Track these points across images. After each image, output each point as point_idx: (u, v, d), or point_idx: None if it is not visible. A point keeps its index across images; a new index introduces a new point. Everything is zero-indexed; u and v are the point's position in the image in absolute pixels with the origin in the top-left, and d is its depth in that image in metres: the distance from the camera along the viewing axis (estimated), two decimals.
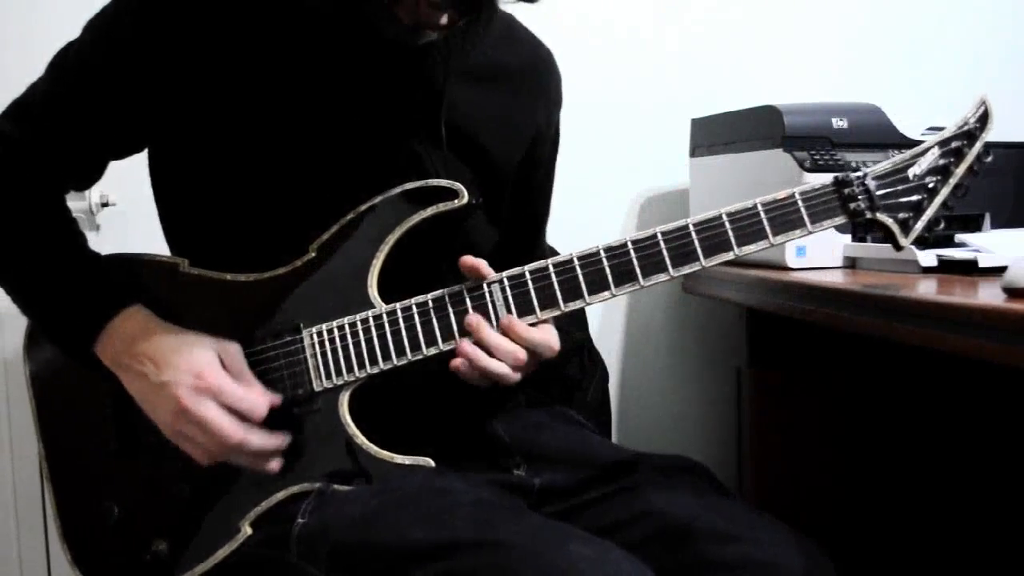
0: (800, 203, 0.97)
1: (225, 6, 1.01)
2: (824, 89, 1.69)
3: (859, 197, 0.97)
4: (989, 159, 1.01)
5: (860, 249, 1.37)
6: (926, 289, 1.09)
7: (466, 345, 0.97)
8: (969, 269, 1.16)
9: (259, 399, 0.97)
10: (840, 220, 0.98)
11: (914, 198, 0.99)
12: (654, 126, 1.79)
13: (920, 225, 1.00)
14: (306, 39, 1.02)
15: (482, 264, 0.99)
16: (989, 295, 0.96)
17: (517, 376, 0.98)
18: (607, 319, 1.84)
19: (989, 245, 1.21)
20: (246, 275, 1.03)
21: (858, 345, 1.50)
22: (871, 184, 0.98)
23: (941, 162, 0.99)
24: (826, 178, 0.99)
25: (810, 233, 0.97)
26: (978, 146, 1.00)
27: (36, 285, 1.05)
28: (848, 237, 1.39)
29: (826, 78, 1.85)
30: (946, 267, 1.19)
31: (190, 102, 1.02)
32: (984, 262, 1.15)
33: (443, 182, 1.02)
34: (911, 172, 0.99)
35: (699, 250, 0.96)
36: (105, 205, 1.54)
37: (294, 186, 1.02)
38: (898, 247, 1.00)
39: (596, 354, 1.51)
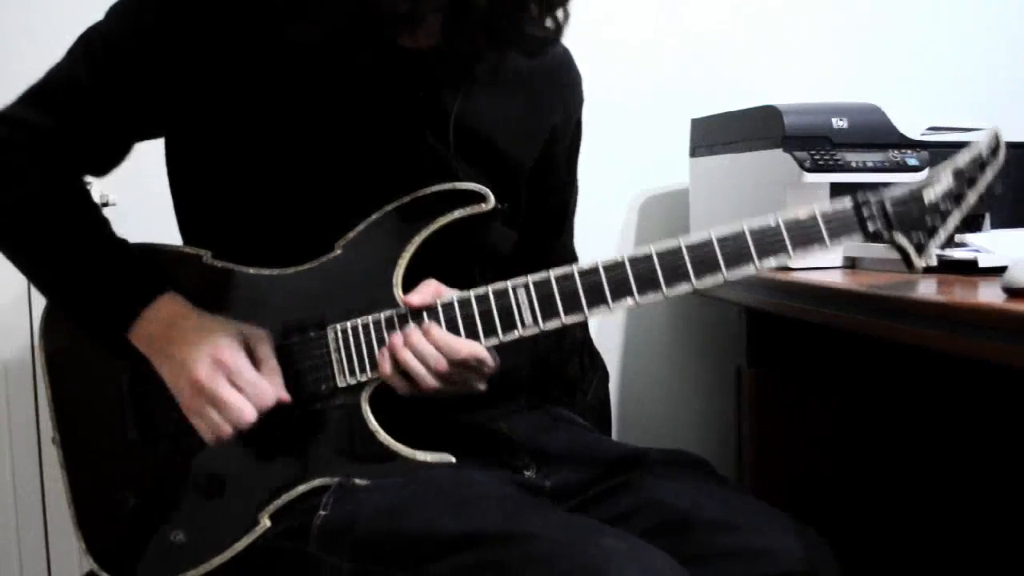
0: (821, 224, 0.99)
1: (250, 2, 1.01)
2: (824, 89, 1.69)
3: (878, 219, 1.00)
4: (999, 191, 1.05)
5: (860, 249, 1.36)
6: (926, 289, 1.09)
7: (395, 337, 0.98)
8: (969, 269, 1.16)
9: (268, 388, 0.98)
10: (859, 239, 1.01)
11: (928, 221, 1.02)
12: (654, 126, 1.79)
13: (934, 248, 1.03)
14: (331, 41, 1.01)
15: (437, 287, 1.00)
16: (989, 295, 0.97)
17: (434, 382, 0.97)
18: (607, 319, 1.84)
19: (989, 245, 1.21)
20: (270, 269, 1.03)
21: (858, 345, 1.50)
22: (888, 207, 1.01)
23: (955, 189, 1.03)
24: (845, 200, 1.01)
25: (828, 249, 1.00)
26: (989, 174, 1.04)
27: (67, 271, 1.05)
28: None
29: (826, 78, 1.85)
30: (946, 267, 1.19)
31: (212, 91, 1.02)
32: (984, 262, 1.14)
33: (471, 186, 1.02)
34: (926, 197, 1.02)
35: (721, 262, 0.97)
36: (105, 205, 1.54)
37: (314, 182, 1.03)
38: (912, 268, 1.03)
39: (596, 354, 1.51)
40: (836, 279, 1.28)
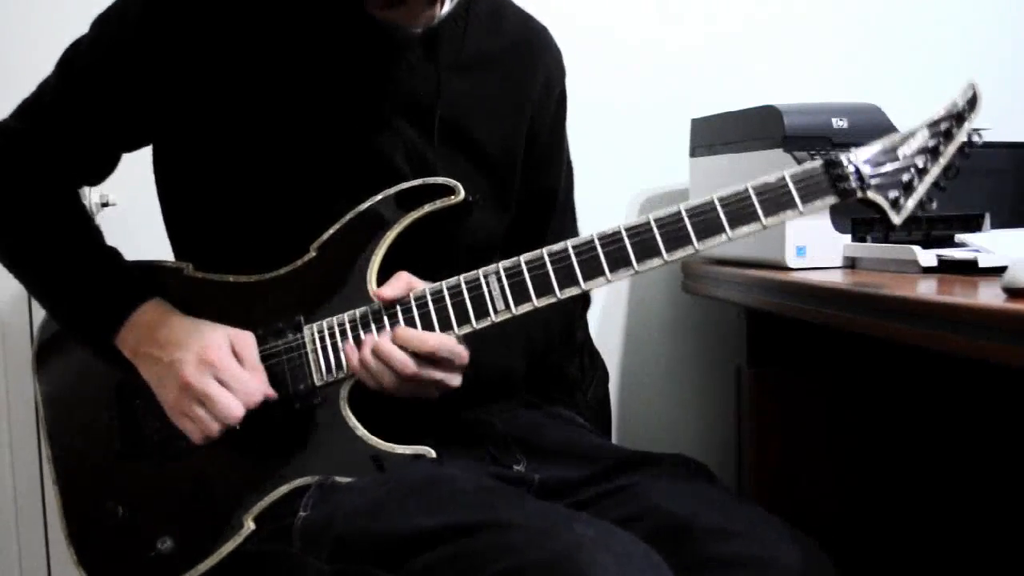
0: (791, 185, 0.98)
1: (226, 6, 1.03)
2: (824, 89, 1.69)
3: (849, 177, 0.99)
4: (980, 142, 1.02)
5: (860, 249, 1.36)
6: (926, 289, 1.09)
7: (348, 348, 0.99)
8: (969, 269, 1.16)
9: (255, 384, 0.99)
10: (831, 200, 0.99)
11: (904, 177, 1.01)
12: (654, 126, 1.78)
13: (911, 203, 1.01)
14: (303, 40, 1.04)
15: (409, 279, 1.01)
16: (989, 295, 0.96)
17: (393, 379, 0.98)
18: (607, 319, 1.84)
19: (989, 245, 1.21)
20: (248, 276, 1.04)
21: (858, 345, 1.49)
22: (860, 164, 1.00)
23: (931, 143, 1.02)
24: (815, 161, 1.00)
25: (802, 214, 0.99)
26: (967, 126, 1.02)
27: (58, 278, 1.08)
28: (848, 237, 1.39)
29: (826, 78, 1.85)
30: (946, 267, 1.19)
31: (193, 99, 1.04)
32: (984, 262, 1.14)
33: (440, 180, 1.03)
34: (900, 152, 1.02)
35: (692, 234, 0.97)
36: (105, 205, 1.54)
37: (293, 185, 1.04)
38: (891, 225, 1.02)
39: (596, 354, 1.51)
40: (836, 279, 1.28)
